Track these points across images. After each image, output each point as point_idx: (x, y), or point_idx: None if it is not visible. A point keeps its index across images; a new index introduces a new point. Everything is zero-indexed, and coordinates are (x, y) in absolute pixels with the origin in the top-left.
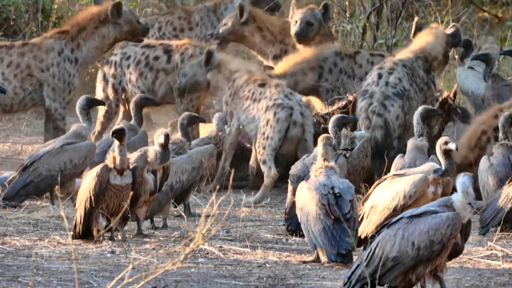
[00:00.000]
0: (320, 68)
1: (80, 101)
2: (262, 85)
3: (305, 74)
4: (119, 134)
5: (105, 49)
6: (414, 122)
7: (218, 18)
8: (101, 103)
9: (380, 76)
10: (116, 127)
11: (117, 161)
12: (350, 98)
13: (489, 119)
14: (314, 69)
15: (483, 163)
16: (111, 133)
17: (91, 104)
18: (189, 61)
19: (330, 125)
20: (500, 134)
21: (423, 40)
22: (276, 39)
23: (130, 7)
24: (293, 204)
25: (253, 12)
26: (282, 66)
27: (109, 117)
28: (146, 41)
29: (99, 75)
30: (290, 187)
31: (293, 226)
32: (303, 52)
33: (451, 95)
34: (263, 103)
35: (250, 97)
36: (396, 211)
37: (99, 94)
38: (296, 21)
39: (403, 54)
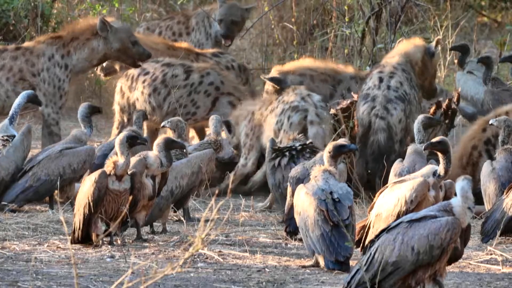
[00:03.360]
0: (333, 88)
1: (82, 108)
2: (279, 96)
3: (313, 82)
4: (133, 141)
5: (94, 63)
6: (415, 130)
7: (210, 25)
8: (98, 110)
9: (381, 79)
10: (128, 133)
11: (122, 166)
12: (355, 97)
13: (477, 134)
14: (325, 84)
15: (486, 167)
16: (125, 137)
17: (93, 111)
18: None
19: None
20: (503, 138)
21: (404, 47)
22: None
23: (129, 26)
24: (292, 206)
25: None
26: (290, 65)
27: (121, 127)
28: (167, 59)
29: (117, 87)
30: (289, 189)
31: (292, 228)
32: (315, 62)
33: (455, 100)
34: (280, 107)
35: (270, 112)
36: (400, 217)
37: (115, 106)
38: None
39: (394, 58)
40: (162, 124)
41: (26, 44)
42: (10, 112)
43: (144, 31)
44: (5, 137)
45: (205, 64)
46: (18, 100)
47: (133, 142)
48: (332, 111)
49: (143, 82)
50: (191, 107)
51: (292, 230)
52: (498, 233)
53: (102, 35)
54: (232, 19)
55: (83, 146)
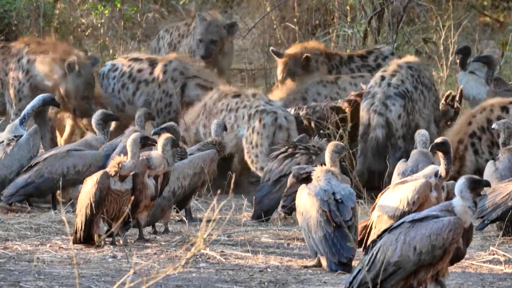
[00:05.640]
0: (303, 100)
1: (95, 116)
2: (237, 95)
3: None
4: (145, 141)
5: (49, 85)
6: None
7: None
8: (115, 118)
9: (383, 78)
10: (141, 134)
11: (130, 167)
12: (364, 88)
13: (462, 127)
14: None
15: (489, 167)
16: (141, 137)
17: (106, 118)
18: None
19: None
20: (503, 140)
21: None
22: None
23: (92, 78)
24: (292, 186)
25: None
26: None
27: None
28: (135, 54)
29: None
30: (291, 177)
31: (288, 202)
32: (286, 86)
33: (457, 98)
34: (242, 112)
35: (225, 109)
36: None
37: None
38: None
39: (405, 58)
40: (153, 132)
41: (13, 43)
42: (22, 113)
43: (163, 34)
44: (12, 137)
45: (170, 55)
46: (32, 103)
47: (145, 143)
48: (339, 103)
49: (113, 78)
50: (165, 97)
51: (288, 204)
52: (501, 233)
53: (65, 69)
54: (211, 39)
55: (91, 150)
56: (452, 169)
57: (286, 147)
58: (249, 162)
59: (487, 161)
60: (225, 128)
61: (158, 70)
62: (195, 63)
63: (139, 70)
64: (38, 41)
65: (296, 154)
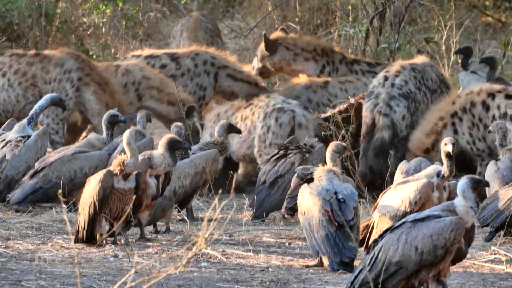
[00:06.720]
0: None
1: (104, 116)
2: (249, 104)
3: None
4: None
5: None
6: None
7: None
8: (122, 121)
9: (386, 78)
10: (135, 130)
11: (133, 164)
12: (352, 101)
13: (447, 105)
14: None
15: (490, 167)
16: (136, 133)
17: (112, 120)
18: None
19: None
20: (500, 141)
21: None
22: (315, 55)
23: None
24: (295, 188)
25: (279, 37)
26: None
27: None
28: (149, 51)
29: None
30: (294, 178)
31: (291, 204)
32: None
33: None
34: (258, 112)
35: (239, 120)
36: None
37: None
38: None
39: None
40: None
41: (47, 51)
42: (30, 113)
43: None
44: (19, 138)
45: (187, 48)
46: (41, 102)
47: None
48: (329, 113)
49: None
50: (199, 91)
51: (291, 205)
52: (502, 233)
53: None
54: None
55: (96, 151)
56: (455, 170)
57: (277, 149)
58: (259, 161)
59: (467, 142)
60: (234, 130)
61: (188, 64)
62: (220, 53)
63: (163, 66)
64: (89, 64)
65: (289, 154)
